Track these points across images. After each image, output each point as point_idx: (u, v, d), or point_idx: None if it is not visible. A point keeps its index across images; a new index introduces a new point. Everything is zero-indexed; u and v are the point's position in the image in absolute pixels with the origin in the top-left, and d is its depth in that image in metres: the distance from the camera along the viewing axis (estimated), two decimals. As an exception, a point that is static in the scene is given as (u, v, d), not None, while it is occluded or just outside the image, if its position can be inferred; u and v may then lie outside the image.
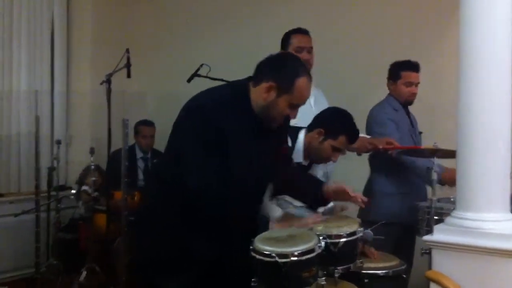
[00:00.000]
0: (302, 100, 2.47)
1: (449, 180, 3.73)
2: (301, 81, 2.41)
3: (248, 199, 2.50)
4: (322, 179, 3.42)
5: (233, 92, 2.51)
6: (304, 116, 3.28)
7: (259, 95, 2.43)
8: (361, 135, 3.73)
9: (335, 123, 3.15)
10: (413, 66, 4.08)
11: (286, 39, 3.80)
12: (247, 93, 2.46)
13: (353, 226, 2.56)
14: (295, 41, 3.75)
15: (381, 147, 3.71)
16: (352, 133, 3.16)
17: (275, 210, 2.90)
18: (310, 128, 3.20)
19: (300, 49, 3.70)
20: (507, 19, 2.63)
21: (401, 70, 4.09)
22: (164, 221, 2.53)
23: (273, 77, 2.41)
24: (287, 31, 3.83)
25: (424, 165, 3.83)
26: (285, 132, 2.81)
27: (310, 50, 3.77)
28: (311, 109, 3.61)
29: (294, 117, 2.51)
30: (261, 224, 2.54)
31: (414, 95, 4.11)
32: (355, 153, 3.84)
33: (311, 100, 3.87)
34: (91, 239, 4.78)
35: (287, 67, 2.43)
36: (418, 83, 4.10)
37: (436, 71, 4.15)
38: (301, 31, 3.80)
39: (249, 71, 2.57)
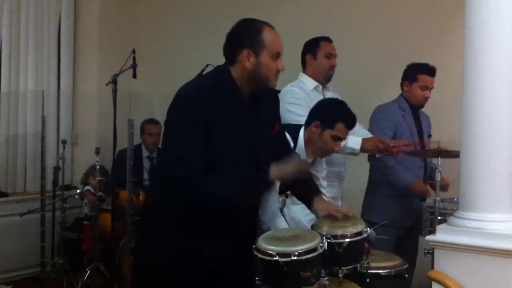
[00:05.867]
0: (279, 45, 2.52)
1: (417, 190, 3.84)
2: (265, 32, 2.49)
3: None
4: (325, 179, 3.44)
5: (217, 77, 2.56)
6: None
7: (242, 68, 2.50)
8: (368, 135, 3.73)
9: (329, 112, 3.17)
10: (431, 71, 4.04)
11: (315, 44, 3.92)
12: (230, 74, 2.52)
13: (358, 227, 2.56)
14: (326, 47, 3.90)
15: (392, 144, 3.69)
16: (348, 118, 3.15)
17: (281, 224, 2.88)
18: (307, 124, 3.22)
19: (330, 55, 3.90)
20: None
21: (419, 73, 4.05)
22: (166, 221, 2.52)
23: (243, 46, 2.49)
24: (314, 37, 3.96)
25: (406, 181, 3.87)
26: (276, 109, 2.83)
27: (335, 56, 3.95)
28: None
29: (283, 67, 2.54)
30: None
31: (426, 99, 4.09)
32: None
33: None
34: (95, 239, 4.79)
35: (247, 30, 2.52)
36: (432, 87, 4.09)
37: (441, 71, 4.13)
38: (329, 39, 3.96)
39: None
